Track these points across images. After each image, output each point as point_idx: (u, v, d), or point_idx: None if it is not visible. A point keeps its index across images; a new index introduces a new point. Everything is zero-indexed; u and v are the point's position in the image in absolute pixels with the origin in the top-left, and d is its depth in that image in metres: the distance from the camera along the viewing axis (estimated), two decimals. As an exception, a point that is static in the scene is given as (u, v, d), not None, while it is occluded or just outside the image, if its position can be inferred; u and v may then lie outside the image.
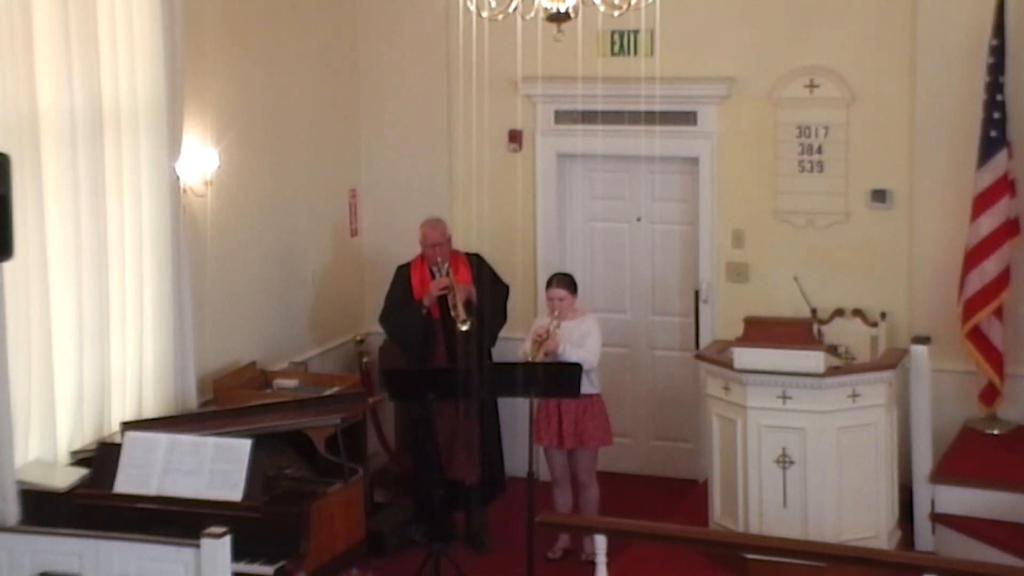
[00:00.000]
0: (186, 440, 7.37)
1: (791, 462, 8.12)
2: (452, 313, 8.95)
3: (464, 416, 9.07)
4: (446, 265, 9.07)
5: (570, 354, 8.67)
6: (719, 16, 9.67)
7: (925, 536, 8.60)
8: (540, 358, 8.62)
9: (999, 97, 8.77)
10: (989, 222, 8.84)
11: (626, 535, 7.74)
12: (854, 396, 8.12)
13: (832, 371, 8.11)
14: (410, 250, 9.38)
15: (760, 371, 8.08)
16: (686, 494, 9.62)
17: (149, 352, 8.25)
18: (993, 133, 8.81)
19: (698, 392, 9.46)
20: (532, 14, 6.37)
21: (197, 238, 8.73)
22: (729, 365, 8.22)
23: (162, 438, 7.39)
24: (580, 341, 8.76)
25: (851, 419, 8.13)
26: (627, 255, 10.25)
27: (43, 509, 7.21)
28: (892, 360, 8.55)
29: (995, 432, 9.08)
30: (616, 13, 6.39)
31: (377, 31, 10.36)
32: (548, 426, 8.82)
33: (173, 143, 8.27)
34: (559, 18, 6.25)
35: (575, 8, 6.24)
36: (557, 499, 9.03)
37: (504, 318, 9.32)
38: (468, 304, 9.01)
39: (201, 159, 8.75)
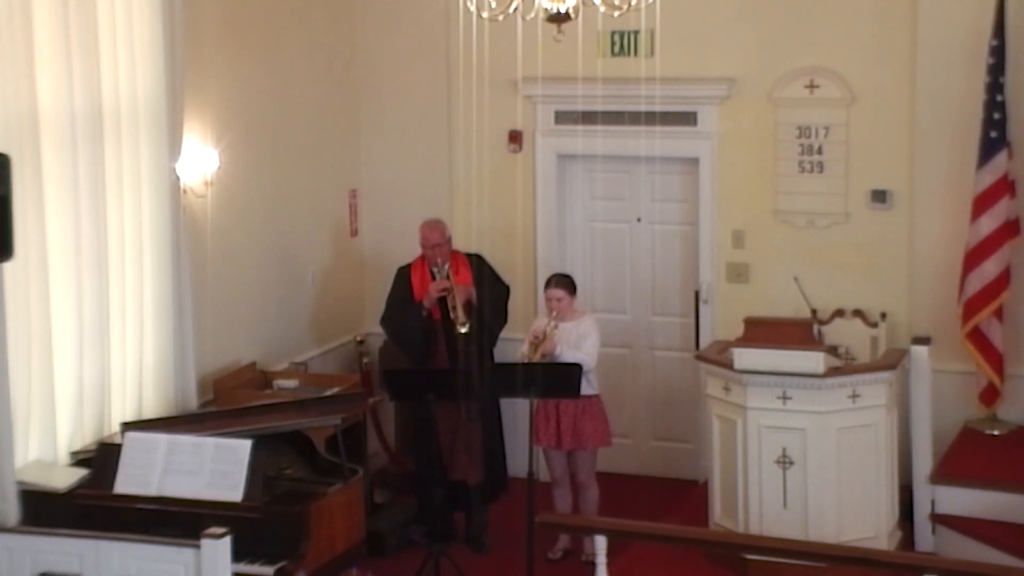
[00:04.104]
0: (186, 440, 7.37)
1: (791, 462, 8.12)
2: (451, 315, 8.95)
3: (466, 417, 9.07)
4: (446, 266, 9.07)
5: (567, 356, 8.66)
6: (719, 16, 9.67)
7: (925, 536, 8.60)
8: (537, 360, 8.62)
9: (999, 97, 8.77)
10: (989, 223, 8.84)
11: (626, 535, 7.73)
12: (854, 396, 8.12)
13: (832, 371, 8.11)
14: (410, 250, 9.38)
15: (760, 371, 8.08)
16: (686, 494, 9.61)
17: (149, 352, 8.25)
18: (993, 133, 8.81)
19: (698, 392, 9.46)
20: (532, 14, 6.36)
21: (197, 238, 8.73)
22: (729, 365, 8.22)
23: (162, 438, 7.39)
24: (578, 342, 8.75)
25: (851, 419, 8.13)
26: (627, 255, 10.25)
27: (43, 509, 7.20)
28: (892, 360, 8.54)
29: (995, 433, 9.08)
30: (616, 13, 6.39)
31: (377, 31, 10.37)
32: (547, 427, 8.82)
33: (173, 143, 8.27)
34: (559, 18, 6.25)
35: (575, 8, 6.24)
36: (557, 500, 9.03)
37: (505, 319, 9.32)
38: (468, 306, 9.00)
39: (201, 159, 8.75)
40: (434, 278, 9.07)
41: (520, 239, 10.19)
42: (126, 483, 7.31)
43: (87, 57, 7.68)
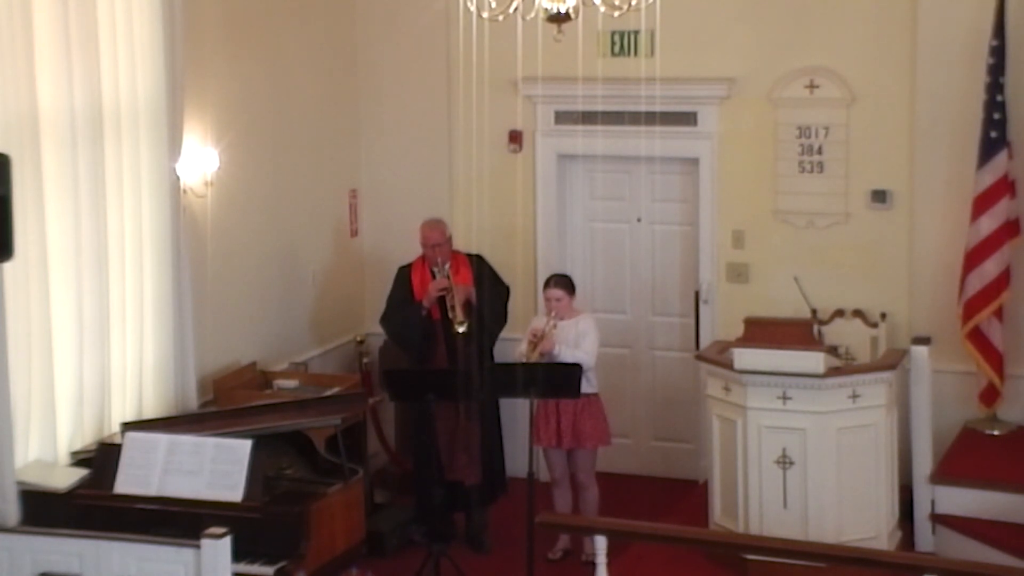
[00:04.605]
0: (186, 440, 7.37)
1: (791, 463, 8.12)
2: (450, 315, 8.95)
3: (465, 417, 9.07)
4: (446, 266, 9.07)
5: (565, 355, 8.66)
6: (719, 16, 9.68)
7: (925, 537, 8.60)
8: (535, 359, 8.62)
9: (999, 98, 8.77)
10: (989, 223, 8.84)
11: (626, 535, 7.73)
12: (854, 397, 8.12)
13: (832, 372, 8.10)
14: (410, 250, 9.38)
15: (760, 372, 8.08)
16: (686, 494, 9.61)
17: (149, 352, 8.24)
18: (993, 134, 8.81)
19: (698, 392, 9.45)
20: (532, 14, 6.36)
21: (197, 238, 8.73)
22: (729, 366, 8.21)
23: (162, 438, 7.39)
24: (576, 341, 8.75)
25: (851, 420, 8.13)
26: (627, 255, 10.25)
27: (43, 509, 7.20)
28: (892, 361, 8.54)
29: (995, 433, 9.08)
30: (616, 14, 6.38)
31: (377, 31, 10.37)
32: (546, 426, 8.82)
33: (173, 143, 8.27)
34: (559, 19, 6.25)
35: (575, 8, 6.24)
36: (557, 499, 9.03)
37: (505, 319, 9.32)
38: (467, 305, 9.00)
39: (201, 159, 8.74)
40: (434, 278, 9.07)
41: (520, 239, 10.18)
42: (126, 483, 7.31)
43: (87, 57, 7.68)
